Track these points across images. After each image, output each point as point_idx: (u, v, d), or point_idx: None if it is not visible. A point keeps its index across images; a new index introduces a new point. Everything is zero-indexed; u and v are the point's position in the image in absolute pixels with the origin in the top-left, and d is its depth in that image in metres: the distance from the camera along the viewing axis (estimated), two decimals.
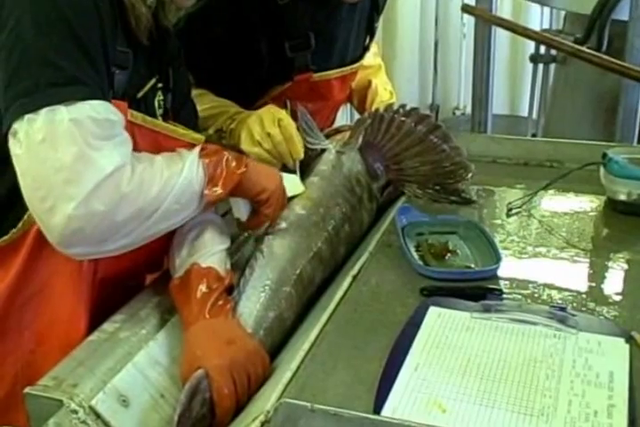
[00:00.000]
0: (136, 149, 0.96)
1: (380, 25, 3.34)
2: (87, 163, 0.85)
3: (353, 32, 1.49)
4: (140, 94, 1.02)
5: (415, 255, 1.15)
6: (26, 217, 0.95)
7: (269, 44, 1.36)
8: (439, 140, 1.31)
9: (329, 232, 1.17)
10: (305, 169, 1.28)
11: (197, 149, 1.02)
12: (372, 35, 1.57)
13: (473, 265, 1.13)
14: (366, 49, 1.57)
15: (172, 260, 1.07)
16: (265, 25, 1.34)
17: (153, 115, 1.05)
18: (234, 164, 1.04)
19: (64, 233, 0.86)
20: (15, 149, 0.86)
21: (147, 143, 1.00)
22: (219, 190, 1.01)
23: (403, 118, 1.31)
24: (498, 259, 1.11)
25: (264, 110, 1.29)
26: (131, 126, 0.97)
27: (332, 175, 1.26)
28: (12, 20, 0.86)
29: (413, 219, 1.25)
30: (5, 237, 0.97)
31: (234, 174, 1.03)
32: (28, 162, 0.85)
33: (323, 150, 1.32)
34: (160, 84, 1.07)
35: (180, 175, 0.96)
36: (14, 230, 0.96)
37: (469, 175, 1.34)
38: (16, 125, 0.85)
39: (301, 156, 1.27)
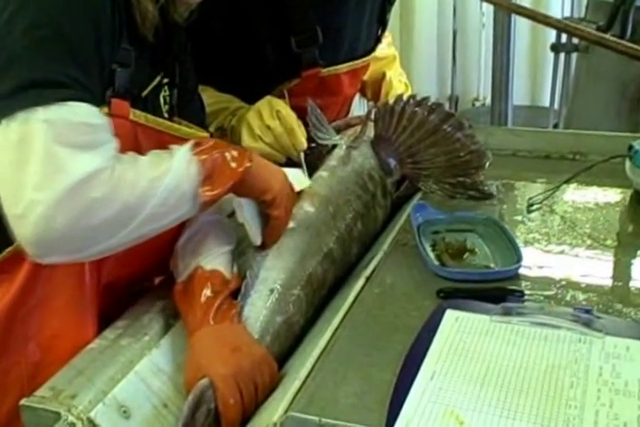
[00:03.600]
0: (139, 148, 0.93)
1: (397, 15, 3.35)
2: (58, 167, 0.80)
3: (364, 23, 1.44)
4: (145, 93, 0.98)
5: (431, 255, 1.10)
6: None
7: (274, 40, 1.32)
8: (453, 128, 1.26)
9: (340, 231, 1.12)
10: (316, 165, 1.24)
11: (188, 146, 0.94)
12: (384, 25, 1.52)
13: (492, 265, 1.08)
14: (378, 40, 1.52)
15: (175, 263, 1.04)
16: (269, 20, 1.30)
17: (159, 113, 1.01)
18: (234, 159, 0.96)
19: (35, 241, 0.82)
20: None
21: (151, 143, 0.96)
22: (215, 190, 0.93)
23: (414, 109, 1.26)
24: (519, 258, 1.06)
25: (262, 103, 1.26)
26: (133, 126, 0.93)
27: (344, 171, 1.22)
28: (4, 17, 0.82)
29: (429, 216, 1.20)
30: (9, 249, 0.94)
31: (234, 171, 0.96)
32: (1, 165, 0.82)
33: (333, 146, 1.27)
34: (166, 80, 1.04)
35: (166, 175, 0.89)
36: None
37: (487, 163, 1.29)
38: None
39: (304, 146, 1.24)
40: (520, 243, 1.12)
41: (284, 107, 1.24)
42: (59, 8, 0.83)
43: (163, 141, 0.97)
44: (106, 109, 0.89)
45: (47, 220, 0.80)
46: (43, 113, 0.80)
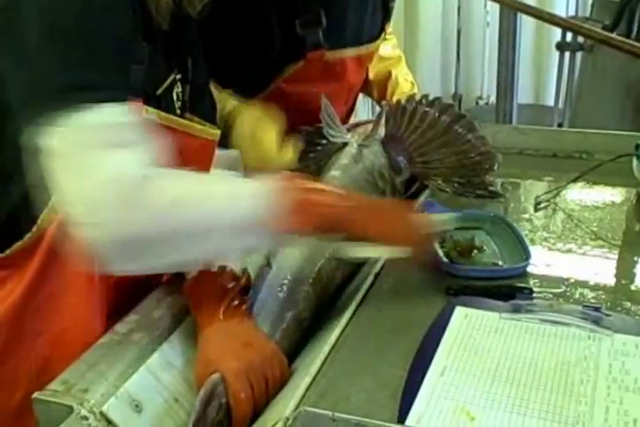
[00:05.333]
0: None
1: (401, 13, 3.34)
2: (102, 173, 0.80)
3: (368, 10, 1.44)
4: (160, 91, 0.98)
5: (440, 252, 1.10)
6: (40, 222, 0.92)
7: (281, 22, 1.31)
8: (464, 130, 1.26)
9: None
10: (327, 163, 1.24)
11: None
12: (388, 14, 1.52)
13: (500, 262, 1.09)
14: (383, 29, 1.52)
15: None
16: (276, 1, 1.29)
17: (172, 109, 1.01)
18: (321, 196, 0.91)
19: (95, 248, 0.81)
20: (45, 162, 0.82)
21: (162, 140, 0.96)
22: (294, 224, 0.87)
23: (426, 109, 1.26)
24: (527, 256, 1.06)
25: (248, 122, 1.27)
26: (147, 124, 0.92)
27: (354, 169, 1.22)
28: (24, 26, 0.81)
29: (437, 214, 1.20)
30: (19, 242, 0.94)
31: (317, 211, 0.90)
32: (59, 171, 0.81)
33: (344, 144, 1.27)
34: (179, 76, 1.03)
35: (242, 197, 0.87)
36: (29, 235, 0.93)
37: (496, 166, 1.29)
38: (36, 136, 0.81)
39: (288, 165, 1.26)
40: (527, 241, 1.12)
41: (265, 131, 1.24)
42: (79, 7, 0.82)
43: (175, 139, 0.97)
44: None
45: (95, 228, 0.79)
46: (82, 118, 0.80)
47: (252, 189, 0.88)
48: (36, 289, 0.95)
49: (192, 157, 0.99)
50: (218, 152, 1.12)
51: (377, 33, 1.51)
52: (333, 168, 1.23)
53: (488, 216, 1.20)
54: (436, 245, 1.11)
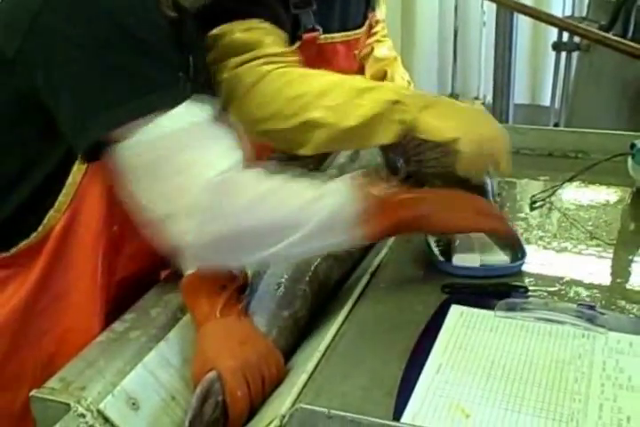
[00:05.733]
0: None
1: (398, 13, 3.34)
2: (187, 174, 0.83)
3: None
4: None
5: (436, 251, 1.10)
6: (46, 220, 0.92)
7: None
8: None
9: None
10: (322, 163, 1.24)
11: (348, 177, 0.95)
12: (368, 2, 1.52)
13: (497, 261, 1.09)
14: (366, 17, 1.52)
15: None
16: None
17: None
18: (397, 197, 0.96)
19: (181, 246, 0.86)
20: (124, 165, 0.84)
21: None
22: (377, 226, 0.92)
23: None
24: (523, 254, 1.07)
25: None
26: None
27: (351, 168, 1.23)
28: (70, 39, 0.82)
29: None
30: (25, 241, 0.94)
31: (397, 211, 0.95)
32: (144, 179, 0.84)
33: None
34: (181, 74, 1.03)
35: (327, 197, 0.89)
36: (35, 234, 0.93)
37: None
38: (111, 140, 0.83)
39: None
40: (523, 240, 1.13)
41: None
42: (125, 16, 0.82)
43: None
44: None
45: (193, 225, 0.83)
46: (168, 121, 0.82)
47: (336, 187, 0.92)
48: (42, 289, 0.95)
49: None
50: None
51: (361, 20, 1.51)
52: (330, 167, 1.23)
53: None
54: (433, 244, 1.12)
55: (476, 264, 1.06)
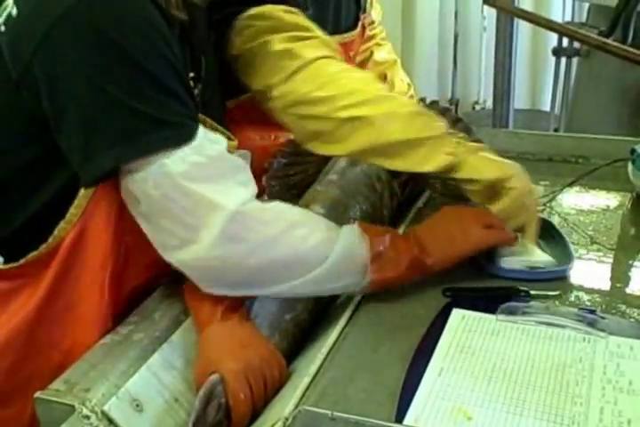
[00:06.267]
0: None
1: (398, 18, 3.35)
2: (208, 206, 0.86)
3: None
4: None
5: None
6: (56, 232, 0.92)
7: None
8: (461, 133, 1.27)
9: None
10: (322, 167, 1.25)
11: (356, 223, 0.99)
12: (359, 3, 1.51)
13: (542, 265, 1.08)
14: (358, 18, 1.52)
15: None
16: None
17: None
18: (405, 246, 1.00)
19: (195, 272, 0.91)
20: (134, 207, 0.89)
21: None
22: (386, 272, 0.97)
23: None
24: (570, 259, 1.07)
25: None
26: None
27: (352, 172, 1.23)
28: (75, 69, 0.82)
29: None
30: (35, 252, 0.94)
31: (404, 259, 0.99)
32: (159, 209, 0.87)
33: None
34: (192, 74, 1.00)
35: (338, 239, 0.94)
36: (44, 245, 0.93)
37: None
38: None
39: None
40: (569, 243, 1.13)
41: None
42: (129, 44, 0.82)
43: None
44: None
45: (206, 255, 0.88)
46: (171, 164, 0.84)
47: (349, 231, 0.96)
48: (51, 300, 0.94)
49: None
50: None
51: (353, 22, 1.50)
52: (331, 172, 1.23)
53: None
54: None
55: (524, 267, 1.06)
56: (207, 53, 1.04)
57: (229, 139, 1.00)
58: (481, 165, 1.06)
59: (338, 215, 1.13)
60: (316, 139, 1.11)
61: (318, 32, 1.15)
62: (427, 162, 1.05)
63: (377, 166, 1.24)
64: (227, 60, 1.14)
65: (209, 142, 0.88)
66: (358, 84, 1.10)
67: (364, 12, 1.53)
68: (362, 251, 0.95)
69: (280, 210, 0.93)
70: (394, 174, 1.28)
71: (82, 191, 0.89)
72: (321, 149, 1.11)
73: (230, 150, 0.96)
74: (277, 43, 1.11)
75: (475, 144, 1.10)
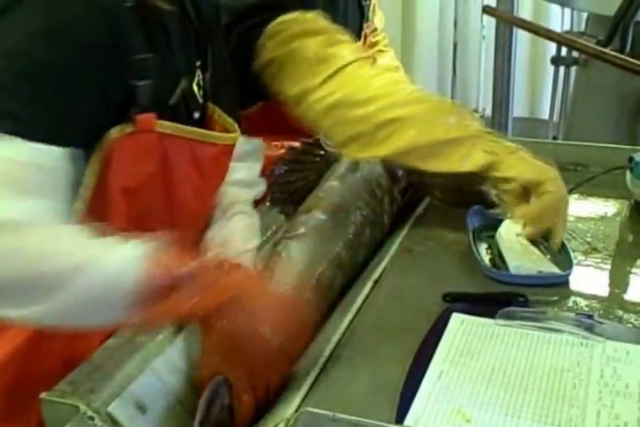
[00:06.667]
0: (170, 160, 0.93)
1: (398, 26, 3.37)
2: None
3: (339, 9, 1.42)
4: (173, 100, 0.95)
5: (485, 258, 1.12)
6: None
7: None
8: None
9: (349, 237, 1.14)
10: (323, 175, 1.26)
11: (152, 243, 0.78)
12: (362, 12, 1.51)
13: (542, 270, 1.09)
14: (361, 28, 1.52)
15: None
16: None
17: (193, 101, 0.99)
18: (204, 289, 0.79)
19: None
20: None
21: (182, 153, 0.96)
22: (163, 312, 0.78)
23: None
24: (570, 264, 1.09)
25: None
26: (160, 138, 0.92)
27: (353, 178, 1.24)
28: None
29: (485, 221, 1.22)
30: None
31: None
32: None
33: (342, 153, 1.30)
34: (198, 62, 1.00)
35: (105, 263, 0.75)
36: None
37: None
38: None
39: None
40: (570, 249, 1.13)
41: None
42: (43, 39, 0.79)
43: (193, 150, 0.97)
44: (130, 128, 0.88)
45: None
46: None
47: (127, 250, 0.77)
48: None
49: (209, 166, 1.00)
50: (240, 138, 1.08)
51: (357, 33, 1.51)
52: (332, 178, 1.25)
53: None
54: (483, 252, 1.14)
55: (534, 272, 1.07)
56: (215, 43, 1.04)
57: (233, 131, 1.00)
58: (520, 164, 1.08)
59: (339, 221, 1.15)
60: (355, 142, 1.11)
61: (347, 36, 1.16)
62: (467, 161, 1.07)
63: (376, 172, 1.26)
64: (250, 69, 1.15)
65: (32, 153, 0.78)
66: (393, 86, 1.12)
67: (367, 21, 1.54)
68: (127, 284, 0.75)
69: (44, 232, 0.76)
70: (394, 181, 1.29)
71: None
72: (361, 153, 1.12)
73: (231, 143, 0.96)
74: (311, 47, 1.12)
75: (513, 144, 1.12)
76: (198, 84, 1.01)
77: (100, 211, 0.90)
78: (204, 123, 1.03)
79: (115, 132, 0.87)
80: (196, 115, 1.01)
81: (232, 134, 1.04)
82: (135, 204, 0.93)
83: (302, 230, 1.11)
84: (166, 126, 0.93)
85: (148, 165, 0.92)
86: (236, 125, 1.05)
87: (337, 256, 1.11)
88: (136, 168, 0.91)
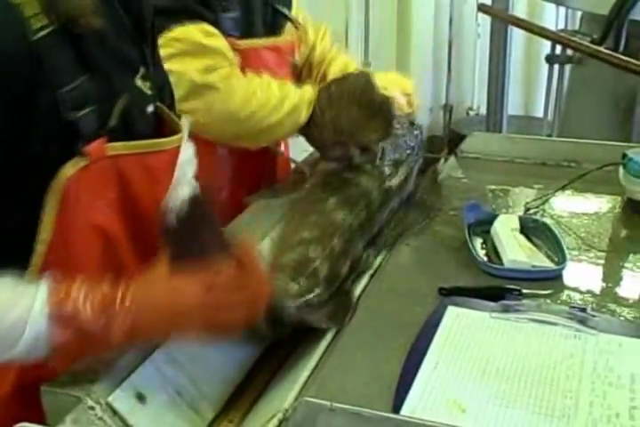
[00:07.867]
0: (127, 179, 0.90)
1: (394, 25, 3.37)
2: None
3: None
4: (113, 123, 0.88)
5: (480, 252, 1.14)
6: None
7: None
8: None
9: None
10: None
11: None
12: (289, 2, 1.52)
13: (536, 264, 1.11)
14: (289, 19, 1.52)
15: None
16: None
17: (143, 102, 0.95)
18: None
19: None
20: None
21: (136, 169, 0.92)
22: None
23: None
24: (563, 259, 1.10)
25: None
26: (114, 161, 0.88)
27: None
28: None
29: (480, 216, 1.24)
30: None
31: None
32: None
33: None
34: (143, 70, 0.95)
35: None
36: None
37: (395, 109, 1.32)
38: None
39: None
40: (564, 244, 1.16)
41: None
42: None
43: (145, 161, 0.94)
44: (83, 162, 0.84)
45: None
46: None
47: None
48: None
49: (161, 173, 0.98)
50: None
51: (284, 23, 1.49)
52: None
53: (529, 220, 1.24)
54: (478, 246, 1.16)
55: (528, 267, 1.09)
56: (152, 39, 1.02)
57: (179, 130, 1.00)
58: None
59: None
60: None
61: (229, 53, 1.30)
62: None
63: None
64: None
65: None
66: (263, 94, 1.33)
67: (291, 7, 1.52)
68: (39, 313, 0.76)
69: None
70: (343, 159, 1.30)
71: None
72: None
73: (178, 144, 0.98)
74: (193, 74, 1.26)
75: None
76: (143, 78, 0.96)
77: (66, 249, 0.88)
78: (157, 115, 0.99)
79: (68, 170, 0.83)
80: (150, 108, 0.97)
81: (178, 135, 1.00)
82: (105, 233, 0.91)
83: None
84: (117, 147, 0.89)
85: (108, 192, 0.89)
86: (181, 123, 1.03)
87: (332, 248, 1.10)
88: (98, 199, 0.89)
